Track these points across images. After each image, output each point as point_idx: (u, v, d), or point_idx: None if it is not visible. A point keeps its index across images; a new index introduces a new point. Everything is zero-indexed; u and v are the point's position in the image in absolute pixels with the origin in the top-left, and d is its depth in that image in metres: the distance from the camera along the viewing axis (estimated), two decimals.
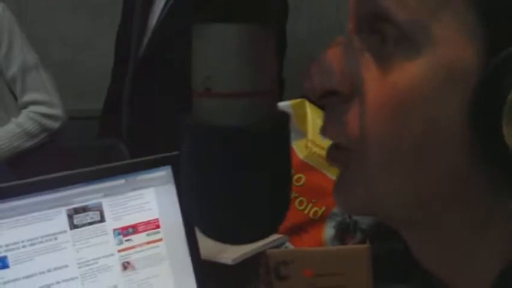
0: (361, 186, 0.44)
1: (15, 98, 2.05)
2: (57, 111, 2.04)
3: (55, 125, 2.04)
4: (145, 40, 2.00)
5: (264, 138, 0.44)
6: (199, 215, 0.45)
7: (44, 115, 2.03)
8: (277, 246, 1.16)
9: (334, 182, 0.46)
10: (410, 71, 0.41)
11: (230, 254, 1.09)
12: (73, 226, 0.95)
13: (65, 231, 0.94)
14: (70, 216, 0.94)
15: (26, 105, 2.04)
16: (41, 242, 0.92)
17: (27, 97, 2.03)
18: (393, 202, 0.43)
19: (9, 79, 2.02)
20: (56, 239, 0.93)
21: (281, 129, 0.45)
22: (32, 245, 0.91)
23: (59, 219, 0.94)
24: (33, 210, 0.92)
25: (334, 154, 0.46)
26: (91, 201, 0.96)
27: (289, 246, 1.19)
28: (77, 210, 0.95)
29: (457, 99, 0.40)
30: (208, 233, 0.45)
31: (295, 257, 1.08)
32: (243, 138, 0.43)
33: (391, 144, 0.42)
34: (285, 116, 0.45)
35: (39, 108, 2.03)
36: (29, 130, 2.02)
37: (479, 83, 0.39)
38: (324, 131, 0.45)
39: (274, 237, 1.18)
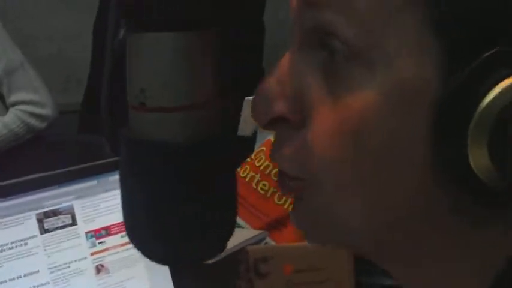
0: (320, 216, 0.40)
1: (1, 99, 2.02)
2: (46, 110, 2.01)
3: (42, 125, 2.01)
4: (121, 33, 1.97)
5: (199, 152, 0.41)
6: (136, 230, 0.43)
7: (32, 114, 2.00)
8: (257, 243, 1.14)
9: (290, 214, 0.42)
10: (364, 92, 0.37)
11: None
12: (43, 230, 0.92)
13: (36, 236, 0.92)
14: (40, 221, 0.92)
15: (13, 105, 2.01)
16: (11, 248, 0.90)
17: (14, 97, 2.00)
18: (356, 228, 0.40)
19: None
20: (26, 244, 0.91)
21: (221, 142, 0.42)
22: (1, 251, 0.89)
23: (29, 224, 0.92)
24: (1, 216, 0.90)
25: (287, 184, 0.41)
26: (62, 205, 0.94)
27: (270, 242, 1.17)
28: (47, 214, 0.93)
29: (417, 118, 0.37)
30: (147, 252, 0.43)
31: (275, 253, 1.06)
32: (178, 154, 0.41)
33: (348, 169, 0.38)
34: (226, 128, 0.43)
35: (26, 108, 2.00)
36: (15, 131, 1.99)
37: (441, 100, 0.36)
38: (273, 157, 0.42)
39: (254, 233, 1.16)
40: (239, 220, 1.23)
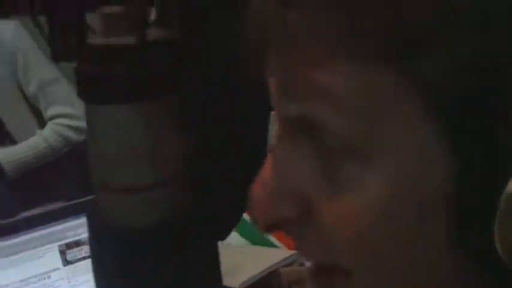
0: None
1: (36, 115, 2.03)
2: (83, 123, 2.01)
3: (80, 137, 2.01)
4: None
5: (166, 235, 0.37)
6: None
7: (69, 127, 2.00)
8: (290, 264, 1.10)
9: None
10: (364, 190, 0.33)
11: (237, 277, 1.04)
12: (66, 262, 0.90)
13: (58, 269, 0.90)
14: (62, 252, 0.90)
15: (50, 119, 2.02)
16: (34, 282, 0.88)
17: (51, 111, 2.00)
18: None
19: (32, 96, 2.00)
20: (49, 277, 0.89)
21: (190, 222, 0.38)
22: (25, 285, 0.87)
23: (51, 256, 0.89)
24: (23, 250, 0.88)
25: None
26: (84, 235, 0.92)
27: (305, 262, 1.13)
28: (69, 246, 0.91)
29: (430, 212, 0.33)
30: None
31: None
32: (141, 239, 0.37)
33: (364, 261, 0.34)
34: (198, 204, 0.39)
35: (63, 121, 2.00)
36: (53, 145, 1.99)
37: (458, 195, 0.32)
38: (304, 255, 0.38)
39: (288, 253, 1.12)
40: (273, 239, 1.19)
